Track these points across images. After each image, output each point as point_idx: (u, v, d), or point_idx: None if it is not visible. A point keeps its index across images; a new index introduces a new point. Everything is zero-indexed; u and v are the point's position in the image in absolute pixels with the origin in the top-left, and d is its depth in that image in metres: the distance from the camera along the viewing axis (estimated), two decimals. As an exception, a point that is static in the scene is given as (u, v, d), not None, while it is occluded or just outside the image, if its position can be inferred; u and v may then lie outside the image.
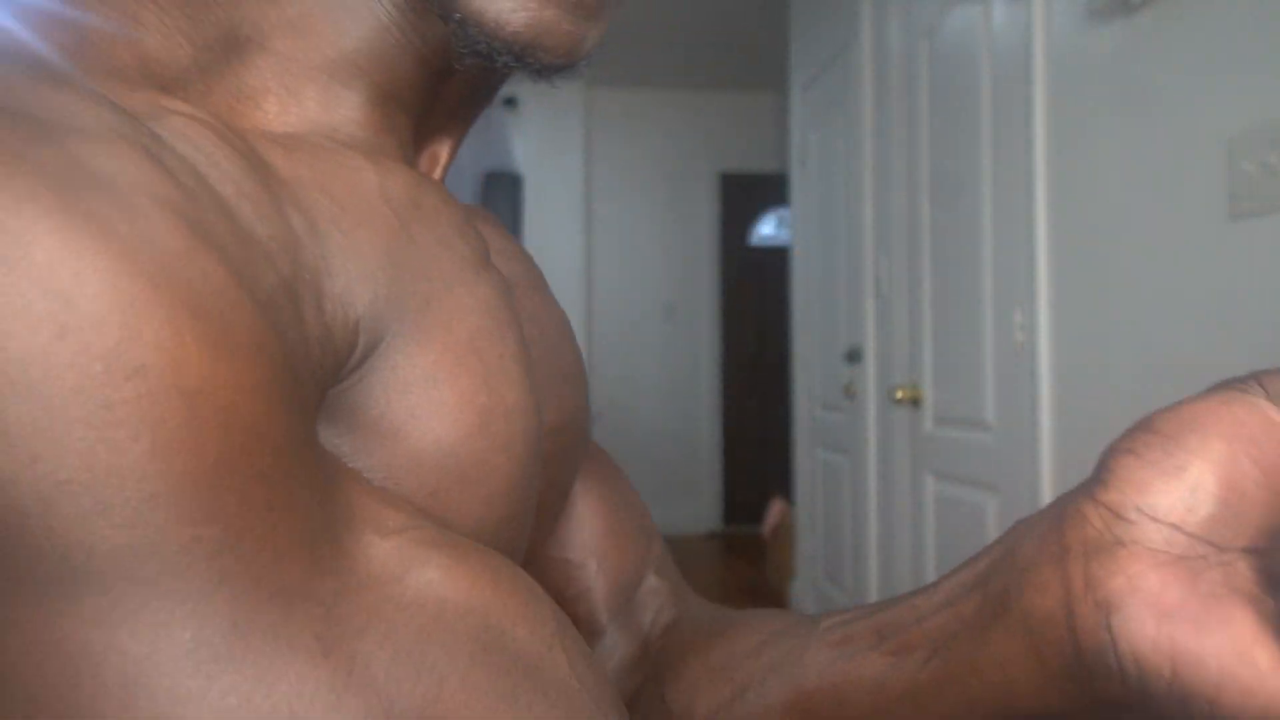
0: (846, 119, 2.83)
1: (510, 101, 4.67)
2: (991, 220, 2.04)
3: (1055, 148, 1.81)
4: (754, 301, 5.32)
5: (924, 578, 2.36)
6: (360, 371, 0.33)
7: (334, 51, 0.37)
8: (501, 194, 4.50)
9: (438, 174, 0.44)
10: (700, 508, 5.36)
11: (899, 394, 2.43)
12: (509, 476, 0.36)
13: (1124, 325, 1.62)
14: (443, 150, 0.44)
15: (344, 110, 0.38)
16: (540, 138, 4.91)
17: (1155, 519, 0.30)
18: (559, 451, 0.47)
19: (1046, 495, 1.84)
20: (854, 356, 2.85)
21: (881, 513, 2.66)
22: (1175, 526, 0.30)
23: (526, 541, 0.41)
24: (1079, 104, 1.73)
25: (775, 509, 3.77)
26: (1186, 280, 1.47)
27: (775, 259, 4.88)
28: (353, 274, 0.33)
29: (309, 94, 0.37)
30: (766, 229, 5.35)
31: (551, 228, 4.89)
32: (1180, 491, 0.30)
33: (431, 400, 0.34)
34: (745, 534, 5.06)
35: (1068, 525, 0.32)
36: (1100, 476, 0.32)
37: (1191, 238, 1.46)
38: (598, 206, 5.16)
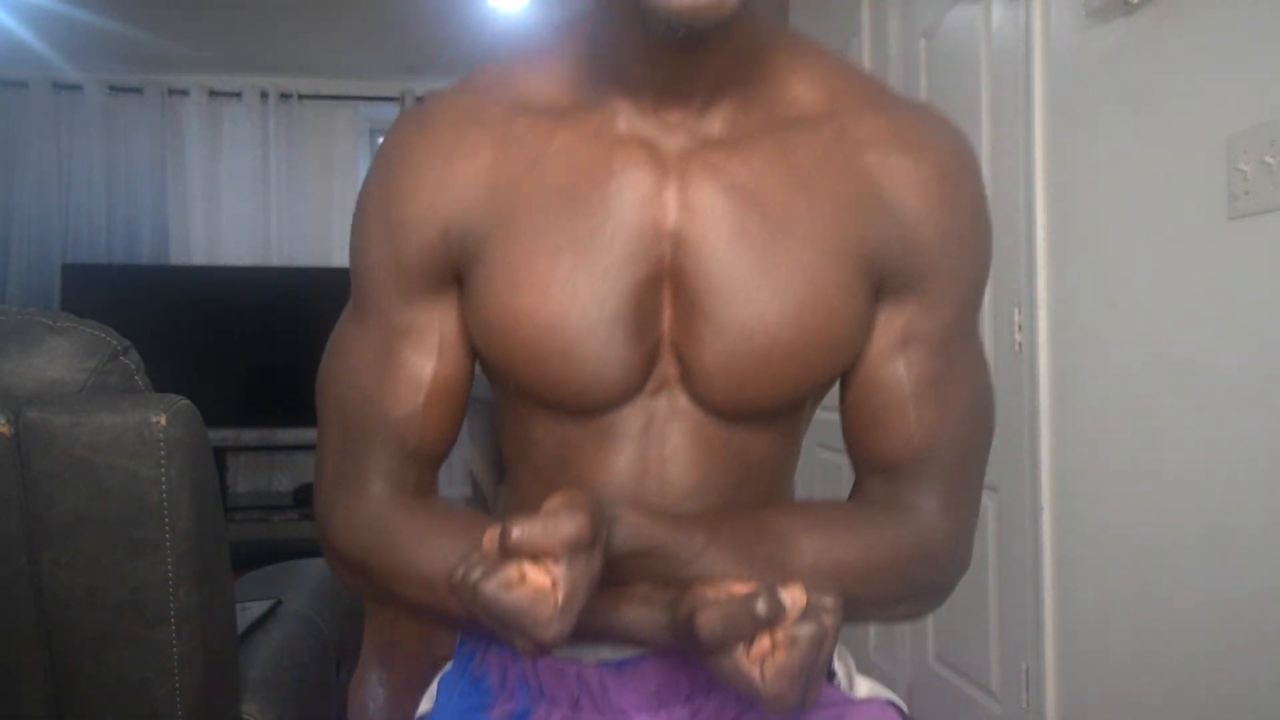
0: (846, 119, 2.83)
1: (509, 101, 4.67)
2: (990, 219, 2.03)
3: (1054, 147, 1.81)
4: (753, 301, 5.31)
5: (923, 578, 2.36)
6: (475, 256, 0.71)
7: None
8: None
9: (720, 117, 0.70)
10: (700, 508, 5.35)
11: (898, 394, 2.43)
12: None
13: (1123, 325, 1.62)
14: (717, 102, 0.70)
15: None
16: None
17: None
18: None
19: (1046, 495, 1.84)
20: (853, 356, 2.84)
21: (881, 513, 2.66)
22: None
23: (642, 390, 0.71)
24: (1078, 104, 1.73)
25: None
26: (1186, 280, 1.47)
27: (775, 259, 4.86)
28: (475, 218, 0.70)
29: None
30: (766, 229, 5.34)
31: (551, 228, 4.89)
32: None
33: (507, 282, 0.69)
34: (745, 534, 5.04)
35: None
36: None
37: (1191, 238, 1.46)
38: (597, 206, 5.16)
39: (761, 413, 0.71)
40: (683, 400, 0.71)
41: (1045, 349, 1.85)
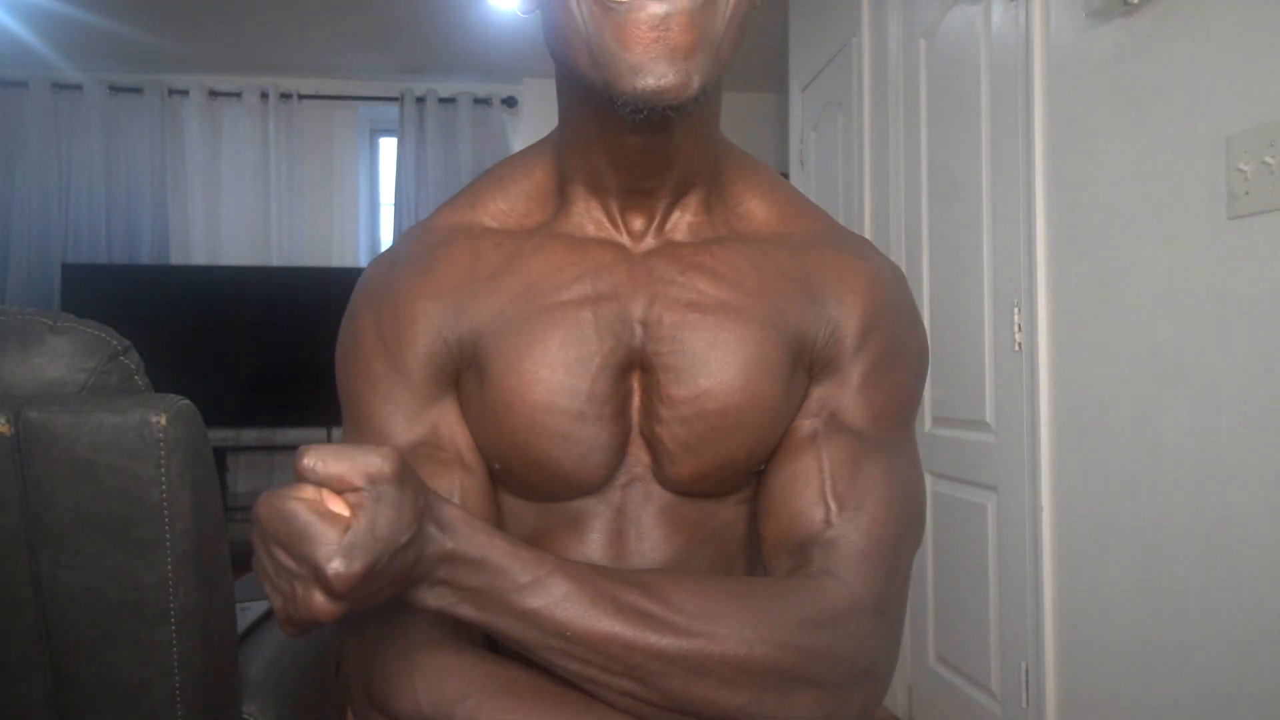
0: (845, 119, 2.83)
1: (509, 101, 4.67)
2: (990, 220, 2.04)
3: (1054, 148, 1.81)
4: (753, 301, 5.31)
5: (923, 577, 2.36)
6: (475, 358, 0.72)
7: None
8: (501, 194, 4.48)
9: (675, 221, 0.76)
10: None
11: (898, 394, 2.43)
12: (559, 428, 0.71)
13: (1123, 325, 1.62)
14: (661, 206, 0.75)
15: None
16: (539, 137, 4.90)
17: None
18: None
19: (1046, 495, 1.84)
20: (853, 356, 2.84)
21: (881, 513, 2.66)
22: None
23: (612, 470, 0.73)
24: (1078, 104, 1.73)
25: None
26: (1185, 280, 1.47)
27: (775, 259, 4.86)
28: (466, 317, 0.72)
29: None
30: (766, 229, 5.34)
31: (551, 228, 4.88)
32: None
33: (507, 376, 0.71)
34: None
35: None
36: None
37: (1190, 237, 1.46)
38: (597, 206, 5.15)
39: (724, 488, 0.74)
40: (652, 484, 0.74)
41: (1045, 349, 1.85)
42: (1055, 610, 1.82)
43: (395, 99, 4.58)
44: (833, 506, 0.69)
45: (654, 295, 0.72)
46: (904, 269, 2.48)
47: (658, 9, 0.59)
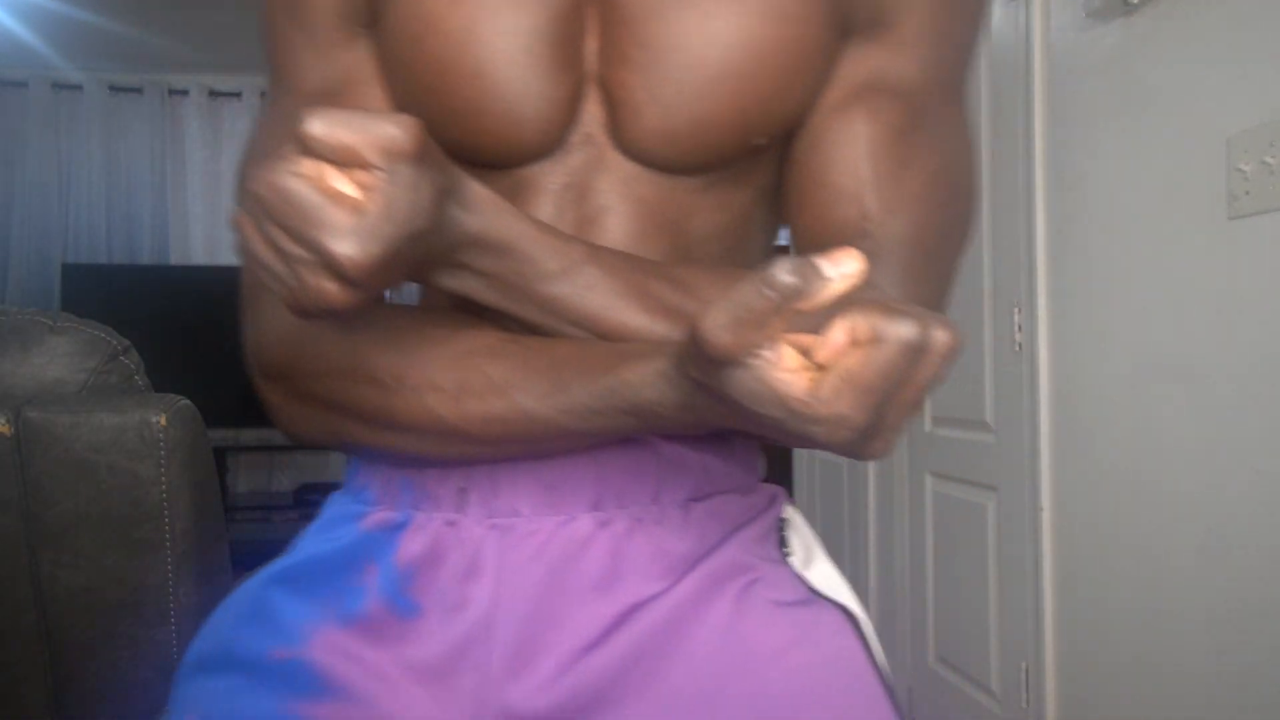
0: (846, 119, 2.83)
1: (509, 101, 4.67)
2: (991, 220, 2.04)
3: (1054, 148, 1.81)
4: (753, 301, 5.31)
5: (923, 577, 2.36)
6: None
7: None
8: (501, 194, 4.50)
9: None
10: (700, 508, 5.35)
11: (898, 394, 2.43)
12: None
13: (1123, 325, 1.62)
14: None
15: None
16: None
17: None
18: None
19: (1046, 495, 1.84)
20: (853, 356, 2.84)
21: (880, 512, 2.66)
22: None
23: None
24: (1078, 104, 1.73)
25: (775, 509, 3.76)
26: (1185, 280, 1.47)
27: (775, 259, 4.87)
28: None
29: None
30: (766, 229, 5.34)
31: (551, 228, 4.89)
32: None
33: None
34: (745, 534, 5.04)
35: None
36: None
37: (1191, 238, 1.46)
38: (597, 206, 5.16)
39: (704, 163, 0.61)
40: (611, 152, 0.61)
41: (1045, 349, 1.85)
42: (1055, 610, 1.82)
43: (395, 99, 4.58)
44: (871, 201, 0.57)
45: None
46: (904, 269, 2.48)
47: None
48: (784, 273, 0.35)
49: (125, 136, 4.42)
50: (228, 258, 4.49)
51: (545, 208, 0.61)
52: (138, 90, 4.42)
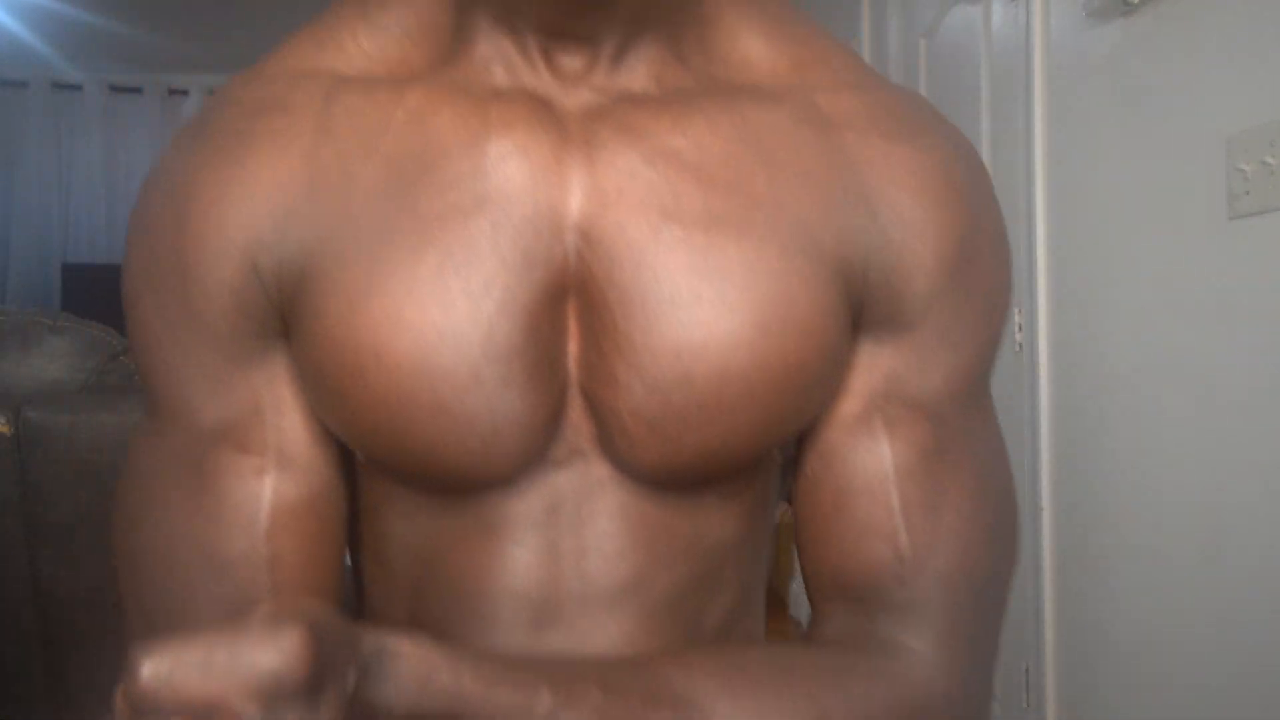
0: (846, 119, 2.83)
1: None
2: (991, 220, 2.04)
3: (1054, 148, 1.81)
4: (753, 301, 5.31)
5: (923, 578, 2.36)
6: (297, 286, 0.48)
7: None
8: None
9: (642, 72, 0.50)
10: (700, 508, 5.35)
11: (898, 394, 2.43)
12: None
13: (1123, 325, 1.62)
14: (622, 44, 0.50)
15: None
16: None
17: None
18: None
19: (1046, 495, 1.84)
20: (853, 356, 2.84)
21: (881, 513, 2.66)
22: None
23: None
24: (1078, 104, 1.73)
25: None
26: (1185, 280, 1.47)
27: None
28: (296, 230, 0.47)
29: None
30: (766, 229, 5.34)
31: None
32: None
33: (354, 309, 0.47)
34: (745, 534, 5.04)
35: None
36: None
37: (1190, 238, 1.46)
38: (597, 206, 5.16)
39: (711, 478, 0.51)
40: (602, 467, 0.50)
41: (1045, 349, 1.85)
42: (1055, 610, 1.82)
43: (395, 99, 4.58)
44: (904, 538, 0.49)
45: (600, 179, 0.47)
46: (904, 269, 2.48)
47: None
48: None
49: (125, 136, 4.41)
50: (228, 258, 4.49)
51: (528, 541, 0.50)
52: (138, 90, 4.41)
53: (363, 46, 0.51)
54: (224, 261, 0.47)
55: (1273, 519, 1.31)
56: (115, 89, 4.40)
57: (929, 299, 0.50)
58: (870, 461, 0.49)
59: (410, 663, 0.38)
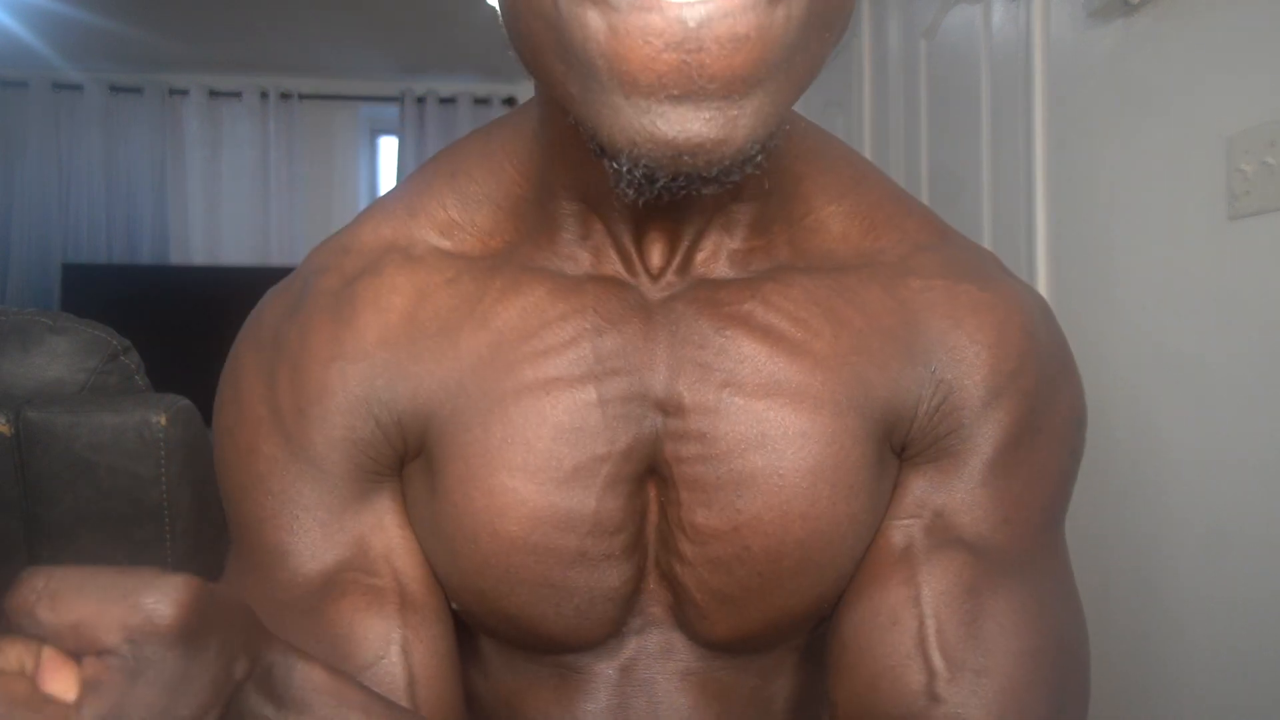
0: (846, 119, 2.83)
1: (510, 101, 4.67)
2: (991, 220, 2.04)
3: (1054, 147, 1.81)
4: (753, 301, 5.31)
5: (924, 578, 2.36)
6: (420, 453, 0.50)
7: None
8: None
9: (703, 259, 0.51)
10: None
11: (898, 394, 2.43)
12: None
13: (1123, 325, 1.62)
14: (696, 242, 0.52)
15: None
16: (540, 138, 4.91)
17: None
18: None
19: (1046, 495, 1.84)
20: (853, 356, 2.84)
21: (881, 513, 2.66)
22: None
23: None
24: (1078, 104, 1.73)
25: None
26: (1186, 280, 1.47)
27: (775, 259, 4.87)
28: (407, 386, 0.50)
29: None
30: (766, 229, 5.34)
31: (551, 228, 4.89)
32: None
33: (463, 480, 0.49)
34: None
35: None
36: None
37: (1191, 238, 1.46)
38: (597, 206, 5.16)
39: (778, 641, 0.53)
40: (674, 633, 0.53)
41: (1045, 349, 1.84)
42: (1055, 610, 1.82)
43: (395, 99, 4.58)
44: (939, 666, 0.46)
45: (677, 363, 0.49)
46: (904, 269, 2.48)
47: (684, 12, 0.34)
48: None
49: (125, 136, 4.42)
50: (228, 258, 4.50)
51: (600, 699, 0.52)
52: (138, 90, 4.41)
53: (452, 216, 0.53)
54: (343, 410, 0.49)
55: (1273, 518, 1.31)
56: (115, 89, 4.40)
57: (976, 427, 0.49)
58: (902, 594, 0.49)
59: (315, 684, 0.38)
